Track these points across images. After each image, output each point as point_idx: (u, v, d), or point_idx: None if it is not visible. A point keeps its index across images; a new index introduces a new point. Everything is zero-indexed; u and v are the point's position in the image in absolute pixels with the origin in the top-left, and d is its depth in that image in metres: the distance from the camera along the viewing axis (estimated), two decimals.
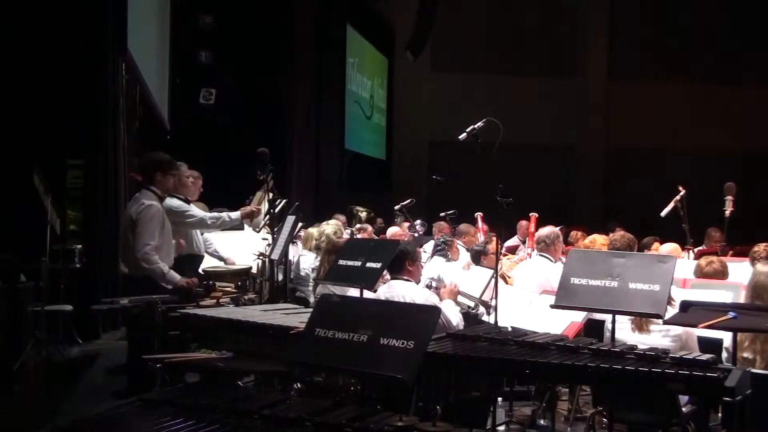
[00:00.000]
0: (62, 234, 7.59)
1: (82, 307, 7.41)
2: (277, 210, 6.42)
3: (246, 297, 5.45)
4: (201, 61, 10.34)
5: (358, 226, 9.06)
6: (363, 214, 8.88)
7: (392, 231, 8.72)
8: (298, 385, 4.54)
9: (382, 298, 4.76)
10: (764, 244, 6.22)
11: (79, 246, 7.57)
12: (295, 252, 7.02)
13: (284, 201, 6.63)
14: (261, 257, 6.33)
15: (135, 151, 8.65)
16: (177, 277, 5.30)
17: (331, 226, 6.91)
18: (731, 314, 3.47)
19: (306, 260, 6.96)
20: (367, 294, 4.66)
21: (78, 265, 7.50)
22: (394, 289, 4.80)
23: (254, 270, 6.50)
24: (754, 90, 13.96)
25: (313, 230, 7.31)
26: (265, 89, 10.76)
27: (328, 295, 3.96)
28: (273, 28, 11.00)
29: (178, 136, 9.86)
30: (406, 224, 9.42)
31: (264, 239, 6.57)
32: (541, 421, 5.20)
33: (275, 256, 6.03)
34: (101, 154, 7.79)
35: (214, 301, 5.08)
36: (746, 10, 13.94)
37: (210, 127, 10.19)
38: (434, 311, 3.12)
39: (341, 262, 4.78)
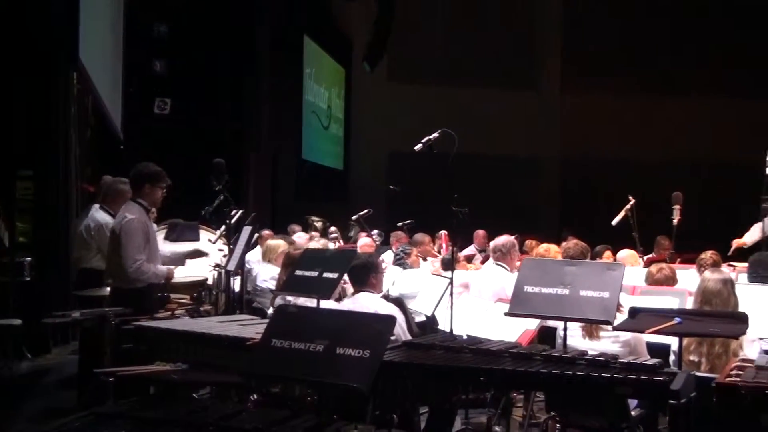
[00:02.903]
0: (11, 246, 7.44)
1: (32, 321, 7.27)
2: (233, 221, 6.40)
3: (202, 309, 5.41)
4: (156, 70, 10.25)
5: (333, 236, 9.06)
6: (319, 224, 8.89)
7: (362, 242, 8.76)
8: (255, 397, 4.53)
9: (346, 309, 4.79)
10: (711, 251, 6.41)
11: (29, 258, 7.41)
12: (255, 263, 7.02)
13: (240, 211, 6.61)
14: (217, 268, 6.29)
15: (87, 161, 8.53)
16: (164, 269, 5.34)
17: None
18: (676, 320, 3.57)
19: (265, 272, 6.95)
20: (325, 304, 4.69)
21: (27, 278, 7.35)
22: (359, 302, 4.84)
23: (210, 281, 6.46)
24: (700, 102, 14.34)
25: (273, 242, 7.30)
26: (220, 99, 10.72)
27: (285, 305, 3.97)
28: (229, 37, 10.96)
29: (132, 146, 9.76)
30: (364, 234, 9.45)
31: (220, 250, 6.54)
32: (497, 428, 5.25)
33: (231, 267, 6.00)
34: (52, 165, 7.66)
35: (169, 313, 5.03)
36: (688, 30, 14.33)
37: (165, 137, 10.11)
38: (389, 321, 3.15)
39: (298, 272, 4.79)
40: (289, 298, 5.28)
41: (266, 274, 6.85)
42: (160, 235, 7.39)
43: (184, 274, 6.42)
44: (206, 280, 6.46)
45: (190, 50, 10.45)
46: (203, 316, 5.18)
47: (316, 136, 14.51)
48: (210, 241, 6.74)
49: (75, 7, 7.51)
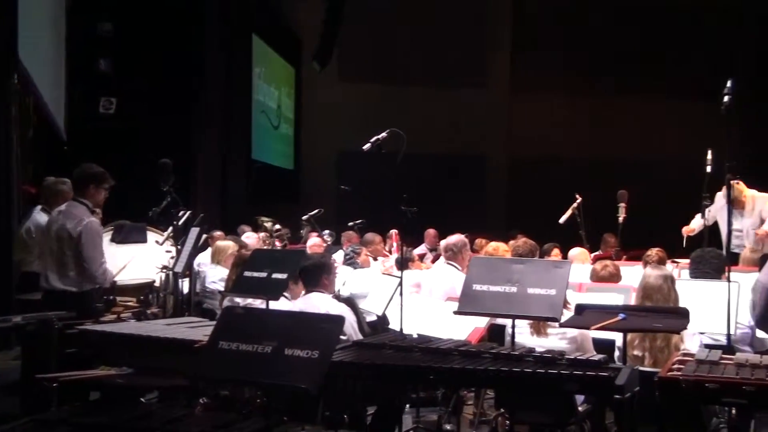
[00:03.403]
0: None
1: None
2: (181, 222, 6.31)
3: (149, 311, 5.33)
4: (100, 69, 10.05)
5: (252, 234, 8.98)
6: (269, 224, 8.83)
7: (311, 242, 8.72)
8: (204, 400, 4.48)
9: (297, 310, 4.78)
10: (656, 248, 6.56)
11: None
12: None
13: (189, 212, 6.52)
14: (164, 270, 6.21)
15: (29, 162, 8.32)
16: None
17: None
18: (621, 315, 3.64)
19: (214, 273, 6.88)
20: (275, 305, 4.67)
21: None
22: (310, 302, 4.83)
23: (157, 283, 6.37)
24: (645, 103, 14.63)
25: (222, 243, 7.24)
26: (168, 98, 10.56)
27: (232, 306, 3.94)
28: (176, 35, 10.81)
29: (77, 146, 9.54)
30: (315, 234, 9.42)
31: (168, 252, 6.45)
32: (447, 426, 5.29)
33: (179, 268, 5.93)
34: None
35: (115, 316, 4.95)
36: (636, 32, 14.60)
37: (111, 137, 9.91)
38: (339, 321, 3.14)
39: (247, 273, 4.76)
40: (238, 299, 5.25)
41: (215, 276, 6.79)
42: (107, 237, 7.27)
43: (130, 276, 6.33)
44: (153, 282, 6.37)
45: (136, 49, 10.25)
46: (150, 319, 5.10)
47: (266, 135, 14.40)
48: (157, 242, 6.64)
49: (13, 7, 7.32)
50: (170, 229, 6.30)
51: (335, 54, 15.10)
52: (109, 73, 10.09)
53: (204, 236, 6.45)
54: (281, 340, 2.92)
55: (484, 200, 15.57)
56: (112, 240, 6.87)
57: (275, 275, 4.58)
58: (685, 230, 7.83)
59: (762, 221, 7.56)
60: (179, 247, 6.10)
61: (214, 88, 11.81)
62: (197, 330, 4.15)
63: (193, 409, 4.13)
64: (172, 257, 6.27)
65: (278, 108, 15.04)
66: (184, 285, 6.29)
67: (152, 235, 6.95)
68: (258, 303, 4.86)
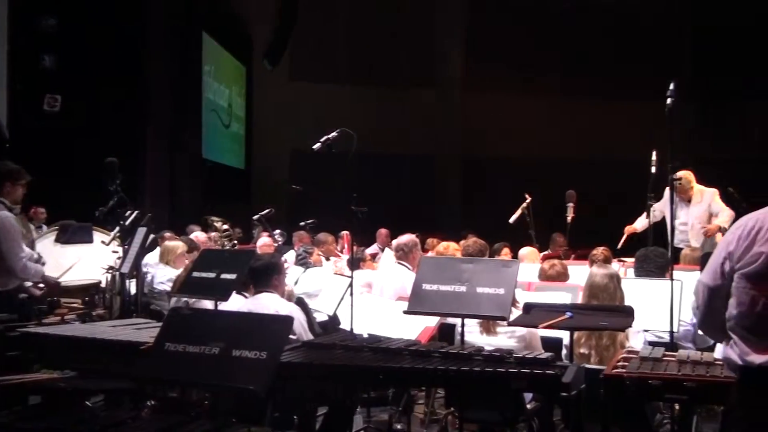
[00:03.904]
0: None
1: None
2: (128, 222, 6.20)
3: (94, 313, 5.23)
4: (44, 65, 9.80)
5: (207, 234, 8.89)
6: (218, 224, 8.74)
7: (261, 242, 8.65)
8: (152, 402, 4.41)
9: (246, 310, 4.73)
10: (602, 247, 6.67)
11: None
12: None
13: (136, 212, 6.41)
14: (110, 271, 6.09)
15: None
16: (41, 268, 5.22)
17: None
18: (568, 314, 3.70)
19: (162, 273, 6.78)
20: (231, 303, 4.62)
21: None
22: (259, 303, 4.79)
23: (104, 284, 6.25)
24: (594, 104, 14.88)
25: (171, 243, 7.14)
26: (115, 96, 10.36)
27: (179, 308, 3.89)
28: (123, 32, 10.62)
29: (20, 145, 9.31)
30: (266, 234, 9.35)
31: (114, 252, 6.33)
32: (398, 426, 5.29)
33: (126, 269, 5.82)
34: None
35: (59, 318, 4.84)
36: (585, 33, 14.84)
37: (55, 135, 9.69)
38: (287, 321, 3.13)
39: (195, 274, 4.70)
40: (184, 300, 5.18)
41: (164, 276, 6.69)
42: (51, 237, 7.12)
43: (74, 276, 6.20)
44: (99, 283, 6.25)
45: (81, 45, 10.04)
46: (96, 320, 5.01)
47: (217, 134, 14.25)
48: (104, 242, 6.52)
49: None
50: (117, 229, 6.18)
51: (286, 53, 15.02)
52: (53, 70, 9.86)
53: (152, 236, 6.34)
54: (228, 341, 2.89)
55: (437, 200, 15.65)
56: (57, 240, 6.73)
57: (224, 276, 4.53)
58: (628, 229, 7.98)
59: (710, 215, 7.71)
60: (126, 247, 5.99)
61: (163, 86, 11.63)
62: (144, 331, 4.08)
63: (139, 411, 4.06)
64: (118, 258, 6.15)
65: (229, 107, 14.90)
66: (132, 286, 6.18)
67: (98, 236, 6.83)
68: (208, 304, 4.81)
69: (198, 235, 8.32)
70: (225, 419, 3.30)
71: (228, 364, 2.84)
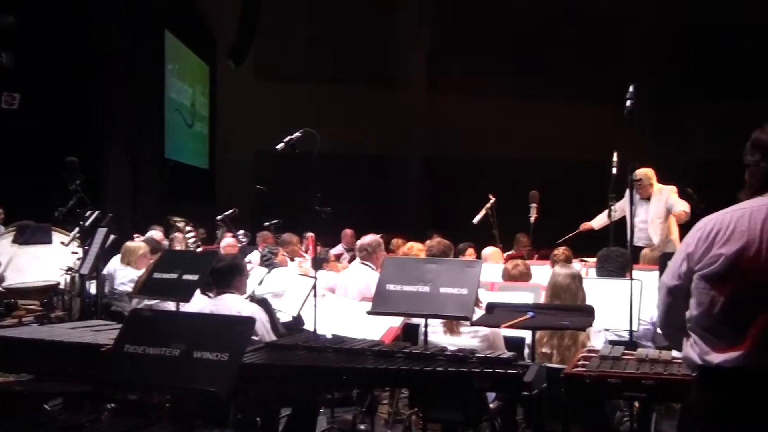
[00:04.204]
0: None
1: None
2: (88, 222, 6.11)
3: (53, 315, 5.14)
4: (2, 62, 9.60)
5: (174, 235, 8.82)
6: (181, 224, 8.67)
7: (225, 242, 8.58)
8: (112, 405, 4.35)
9: (207, 311, 4.70)
10: (563, 247, 6.74)
11: None
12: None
13: (97, 212, 6.32)
14: (70, 272, 6.00)
15: None
16: None
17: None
18: (530, 314, 3.73)
19: (124, 274, 6.70)
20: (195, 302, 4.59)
21: None
22: (222, 303, 4.76)
23: (63, 285, 6.15)
24: (557, 105, 15.02)
25: (132, 244, 7.06)
26: (76, 94, 10.20)
27: (139, 309, 3.84)
28: (83, 29, 10.45)
29: None
30: (230, 234, 9.28)
31: (74, 253, 6.23)
32: (362, 426, 5.29)
33: (85, 270, 5.74)
34: None
35: (16, 320, 4.75)
36: (549, 35, 14.98)
37: (13, 133, 9.50)
38: (249, 322, 3.11)
39: (156, 275, 4.65)
40: (148, 302, 5.12)
41: (125, 277, 6.61)
42: (9, 238, 6.99)
43: (32, 278, 6.09)
44: (58, 284, 6.15)
45: (41, 42, 9.86)
46: (54, 322, 4.93)
47: (180, 134, 14.09)
48: (63, 243, 6.41)
49: None
50: (77, 229, 6.09)
51: (251, 52, 14.92)
52: (10, 67, 9.66)
53: (112, 237, 6.26)
54: (189, 342, 2.87)
55: (402, 200, 15.66)
56: (15, 241, 6.61)
57: (186, 276, 4.50)
58: (584, 225, 8.10)
59: (667, 211, 7.87)
60: (86, 248, 5.90)
61: (125, 85, 11.48)
62: (103, 333, 4.02)
63: (99, 415, 4.01)
64: (78, 259, 6.06)
65: (192, 106, 14.75)
66: (92, 287, 6.10)
67: (57, 236, 6.72)
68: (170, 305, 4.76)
69: (157, 235, 8.23)
70: (186, 422, 3.27)
71: (189, 366, 2.81)
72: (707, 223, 2.50)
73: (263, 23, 14.72)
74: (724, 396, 2.40)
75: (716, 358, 2.40)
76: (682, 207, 7.75)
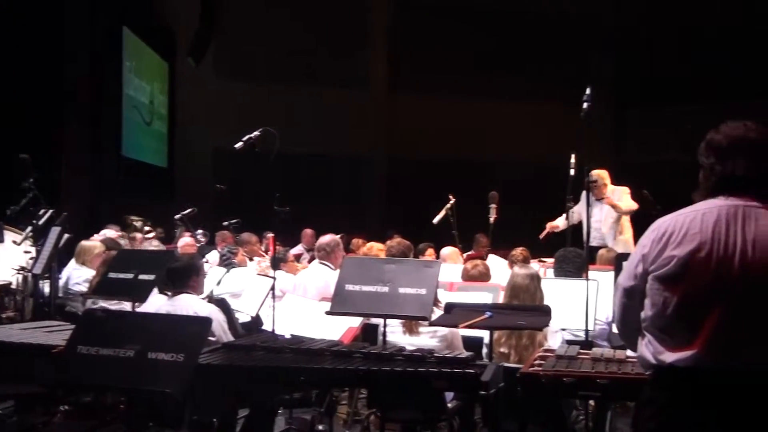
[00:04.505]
0: None
1: None
2: (42, 221, 5.99)
3: (4, 315, 5.03)
4: None
5: (134, 234, 8.69)
6: (138, 224, 8.54)
7: (183, 242, 8.48)
8: (65, 407, 4.27)
9: (164, 312, 4.64)
10: (521, 248, 6.80)
11: None
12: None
13: (51, 211, 6.19)
14: (22, 271, 5.87)
15: None
16: None
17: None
18: (487, 314, 3.74)
19: (78, 274, 6.58)
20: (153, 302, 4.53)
21: None
22: (178, 303, 4.70)
23: (14, 286, 6.02)
24: (519, 106, 15.15)
25: (87, 243, 6.94)
26: (30, 90, 10.00)
27: (93, 309, 3.78)
28: (40, 25, 10.25)
29: None
30: (188, 234, 9.18)
31: (27, 252, 6.10)
32: (320, 427, 5.27)
33: (38, 270, 5.62)
34: None
35: None
36: (508, 36, 15.10)
37: None
38: (205, 322, 3.08)
39: (111, 274, 4.59)
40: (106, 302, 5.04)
41: (80, 277, 6.49)
42: None
43: None
44: (9, 284, 6.01)
45: None
46: (5, 323, 4.82)
47: (138, 132, 13.90)
48: (15, 242, 6.28)
49: None
50: (29, 228, 5.96)
51: (211, 50, 14.78)
52: None
53: (66, 236, 6.14)
54: (144, 343, 2.84)
55: (362, 201, 15.66)
56: None
57: (142, 276, 4.44)
58: (549, 225, 8.20)
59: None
60: (39, 247, 5.78)
61: (81, 82, 11.29)
62: (56, 334, 3.95)
63: (52, 417, 3.93)
64: (31, 258, 5.94)
65: (151, 103, 14.56)
66: (45, 287, 5.98)
67: (10, 235, 6.57)
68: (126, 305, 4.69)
69: (110, 233, 8.09)
70: (141, 423, 3.23)
71: (144, 367, 2.78)
72: (661, 225, 2.54)
73: (224, 21, 14.59)
74: (677, 394, 2.43)
75: (669, 357, 2.43)
76: (627, 205, 7.93)
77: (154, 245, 8.39)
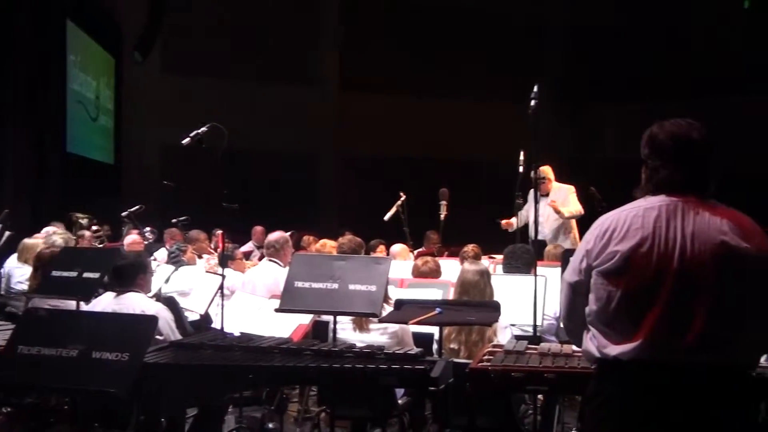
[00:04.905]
0: None
1: None
2: None
3: None
4: None
5: (83, 233, 8.52)
6: (84, 221, 8.37)
7: (129, 239, 8.33)
8: (7, 409, 4.16)
9: (110, 311, 4.56)
10: (472, 245, 6.86)
11: None
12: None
13: None
14: None
15: None
16: None
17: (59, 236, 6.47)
18: (437, 310, 3.77)
19: (20, 273, 6.42)
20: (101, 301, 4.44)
21: None
22: (125, 302, 4.62)
23: None
24: (468, 104, 15.27)
25: (30, 241, 6.77)
26: None
27: (35, 308, 3.69)
28: None
29: None
30: (135, 231, 9.02)
31: None
32: (270, 425, 5.24)
33: None
34: None
35: None
36: (457, 36, 15.21)
37: None
38: (151, 321, 3.03)
39: (55, 273, 4.48)
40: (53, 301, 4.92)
41: (22, 276, 6.34)
42: None
43: None
44: None
45: None
46: None
47: (84, 128, 13.60)
48: None
49: None
50: None
51: (159, 45, 14.55)
52: None
53: (7, 233, 5.98)
54: (88, 343, 2.79)
55: (313, 198, 15.61)
56: None
57: (87, 274, 4.35)
58: (504, 222, 8.26)
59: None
60: None
61: (23, 76, 11.00)
62: None
63: None
64: None
65: (97, 99, 14.27)
66: None
67: None
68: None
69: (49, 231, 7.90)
70: (87, 424, 3.16)
71: (88, 367, 2.74)
72: (605, 221, 2.58)
73: (173, 16, 14.38)
74: (621, 387, 2.47)
75: (613, 350, 2.47)
76: (575, 210, 8.01)
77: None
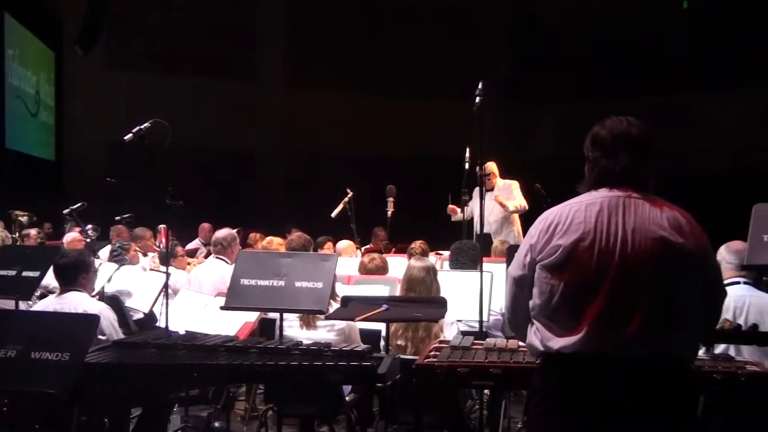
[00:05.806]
0: None
1: None
2: None
3: None
4: None
5: (28, 231, 8.29)
6: (24, 219, 8.15)
7: (69, 237, 8.13)
8: None
9: (51, 310, 4.46)
10: (420, 241, 6.88)
11: None
12: None
13: None
14: None
15: None
16: None
17: None
18: (384, 306, 3.77)
19: None
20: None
21: None
22: (67, 301, 4.52)
23: None
24: (415, 101, 15.33)
25: None
26: None
27: None
28: None
29: None
30: (77, 229, 8.82)
31: None
32: (216, 424, 5.19)
33: None
34: None
35: None
36: (403, 35, 15.26)
37: None
38: (92, 320, 2.98)
39: None
40: None
41: None
42: None
43: None
44: None
45: None
46: None
47: (23, 123, 13.24)
48: None
49: None
50: None
51: (102, 40, 14.23)
52: None
53: None
54: (27, 342, 2.73)
55: (260, 195, 15.49)
56: None
57: (26, 273, 4.25)
58: (450, 208, 8.26)
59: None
60: None
61: None
62: None
63: None
64: None
65: (37, 94, 13.91)
66: None
67: None
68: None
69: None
70: (26, 426, 3.09)
71: (27, 367, 2.68)
72: (548, 215, 2.62)
73: (115, 10, 14.08)
74: (564, 380, 2.51)
75: (556, 343, 2.51)
76: (516, 204, 8.12)
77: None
